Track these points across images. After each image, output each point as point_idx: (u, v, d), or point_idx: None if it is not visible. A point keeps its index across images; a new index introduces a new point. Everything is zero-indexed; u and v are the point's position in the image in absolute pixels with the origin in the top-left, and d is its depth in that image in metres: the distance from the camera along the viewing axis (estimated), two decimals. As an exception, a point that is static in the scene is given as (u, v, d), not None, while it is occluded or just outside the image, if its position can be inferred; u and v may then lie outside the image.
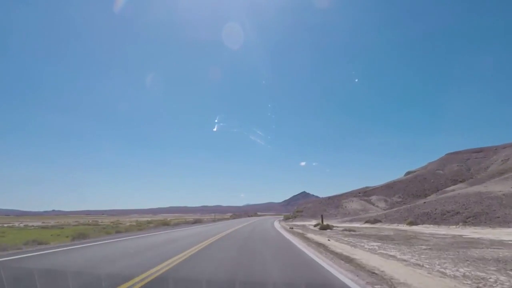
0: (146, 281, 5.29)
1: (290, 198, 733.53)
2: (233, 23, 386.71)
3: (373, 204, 67.82)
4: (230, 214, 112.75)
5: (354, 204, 66.64)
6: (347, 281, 5.47)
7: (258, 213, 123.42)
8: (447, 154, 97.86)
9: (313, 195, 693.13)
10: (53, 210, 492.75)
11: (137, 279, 5.36)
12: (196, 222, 44.72)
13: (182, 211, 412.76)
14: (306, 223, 44.33)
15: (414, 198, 68.53)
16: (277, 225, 36.11)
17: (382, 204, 67.98)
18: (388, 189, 78.06)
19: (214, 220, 55.19)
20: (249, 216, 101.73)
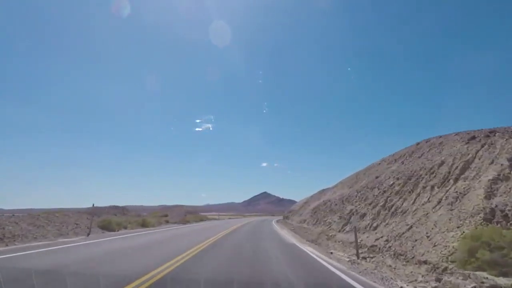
0: None
1: (251, 198, 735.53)
2: (220, 22, 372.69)
3: None
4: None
5: None
6: None
7: (214, 213, 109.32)
8: None
9: (274, 196, 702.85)
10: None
11: None
12: None
13: (138, 210, 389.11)
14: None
15: None
16: None
17: None
18: None
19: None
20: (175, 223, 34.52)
